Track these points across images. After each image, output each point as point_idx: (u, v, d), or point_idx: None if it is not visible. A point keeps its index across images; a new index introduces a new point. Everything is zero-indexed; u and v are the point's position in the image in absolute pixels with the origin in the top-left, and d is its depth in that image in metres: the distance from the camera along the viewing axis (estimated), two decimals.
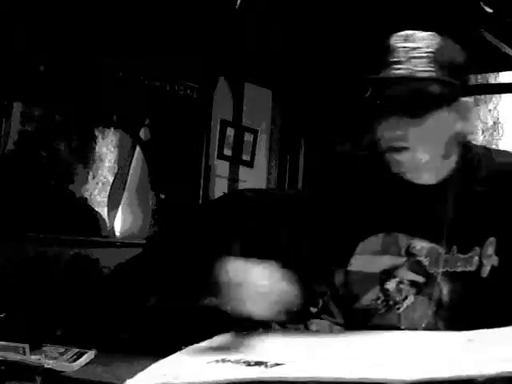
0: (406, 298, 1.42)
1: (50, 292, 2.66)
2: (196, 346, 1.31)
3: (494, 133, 4.00)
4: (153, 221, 3.50)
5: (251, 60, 3.76)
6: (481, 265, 1.35)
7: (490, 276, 1.35)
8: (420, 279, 1.40)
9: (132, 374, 1.20)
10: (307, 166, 4.37)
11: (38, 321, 2.20)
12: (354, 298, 1.49)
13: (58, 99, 3.01)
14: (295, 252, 1.50)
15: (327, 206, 1.51)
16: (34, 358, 1.65)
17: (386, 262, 1.43)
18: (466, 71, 1.38)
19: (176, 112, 3.60)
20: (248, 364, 1.08)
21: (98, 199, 3.25)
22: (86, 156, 3.19)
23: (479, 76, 4.06)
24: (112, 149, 3.32)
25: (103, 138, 3.27)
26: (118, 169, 3.35)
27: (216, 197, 3.76)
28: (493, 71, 3.99)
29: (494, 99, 4.03)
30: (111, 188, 3.31)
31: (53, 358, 1.67)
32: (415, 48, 1.32)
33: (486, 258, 1.35)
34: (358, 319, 1.48)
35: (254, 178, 4.12)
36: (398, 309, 1.42)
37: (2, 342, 1.72)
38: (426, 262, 1.40)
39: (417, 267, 1.41)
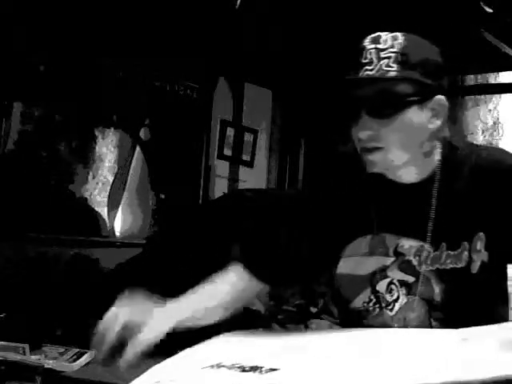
0: (397, 298, 1.42)
1: (50, 292, 2.66)
2: (191, 349, 1.30)
3: (494, 133, 4.00)
4: (153, 221, 3.51)
5: (251, 60, 3.77)
6: (470, 261, 1.35)
7: (480, 271, 1.35)
8: (410, 279, 1.40)
9: (132, 375, 1.20)
10: (307, 165, 4.37)
11: (37, 321, 2.21)
12: (346, 301, 1.49)
13: (58, 99, 3.01)
14: (295, 252, 1.50)
15: (317, 207, 1.51)
16: (34, 358, 1.65)
17: (374, 263, 1.44)
18: (441, 71, 1.38)
19: (176, 112, 3.60)
20: (243, 369, 1.07)
21: (98, 199, 3.25)
22: (86, 156, 3.19)
23: (479, 76, 4.06)
24: (112, 149, 3.32)
25: (103, 138, 3.28)
26: (118, 169, 3.35)
27: (216, 197, 3.76)
28: (493, 71, 3.99)
29: (493, 99, 4.04)
30: (111, 188, 3.31)
31: (53, 358, 1.68)
32: (385, 49, 1.33)
33: (476, 253, 1.35)
34: (352, 321, 1.48)
35: (254, 178, 4.12)
36: (391, 310, 1.42)
37: (2, 342, 1.72)
38: (415, 261, 1.40)
39: (406, 267, 1.41)
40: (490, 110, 4.02)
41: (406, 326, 1.40)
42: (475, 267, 1.35)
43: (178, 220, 3.41)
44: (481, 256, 1.35)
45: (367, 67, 1.32)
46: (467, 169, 1.40)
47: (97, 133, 3.25)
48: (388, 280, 1.43)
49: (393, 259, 1.42)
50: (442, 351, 1.15)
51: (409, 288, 1.41)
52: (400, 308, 1.41)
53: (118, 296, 1.38)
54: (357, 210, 1.47)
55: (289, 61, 3.80)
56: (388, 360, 1.15)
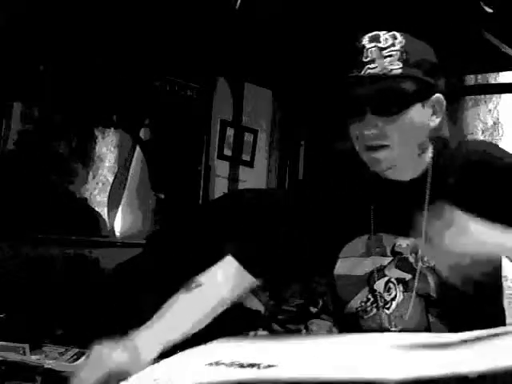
0: (395, 297, 1.42)
1: (50, 292, 2.66)
2: (188, 350, 1.31)
3: (494, 133, 4.00)
4: (153, 221, 3.51)
5: (251, 60, 3.77)
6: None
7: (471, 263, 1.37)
8: (407, 276, 1.41)
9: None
10: (307, 165, 4.37)
11: (38, 321, 2.21)
12: (343, 302, 1.50)
13: (57, 99, 3.01)
14: (293, 251, 1.51)
15: (315, 207, 1.52)
16: (34, 358, 1.65)
17: (372, 263, 1.44)
18: (438, 69, 1.39)
19: (176, 112, 3.61)
20: (241, 366, 1.08)
21: (98, 199, 3.25)
22: (85, 156, 3.19)
23: (479, 76, 4.06)
24: (112, 149, 3.32)
25: (103, 138, 3.28)
26: (118, 169, 3.35)
27: (216, 197, 3.76)
28: (493, 71, 3.99)
29: (494, 99, 4.04)
30: (111, 188, 3.31)
31: (53, 358, 1.68)
32: (386, 47, 1.34)
33: None
34: (349, 322, 1.49)
35: (253, 178, 4.12)
36: (388, 309, 1.43)
37: (2, 342, 1.72)
38: (411, 258, 1.41)
39: (403, 265, 1.42)
40: (490, 110, 4.03)
41: (403, 324, 1.41)
42: (467, 260, 1.37)
43: (177, 220, 3.41)
44: None
45: (370, 66, 1.32)
46: (457, 164, 1.41)
47: (97, 133, 3.25)
48: (386, 279, 1.43)
49: (390, 259, 1.43)
50: (438, 347, 1.16)
51: (406, 285, 1.42)
52: (397, 306, 1.42)
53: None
54: (354, 211, 1.47)
55: (289, 61, 3.80)
56: (384, 355, 1.17)
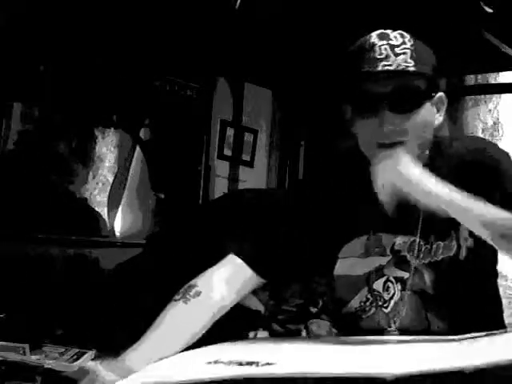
0: (393, 295, 1.43)
1: (50, 292, 2.66)
2: (187, 352, 1.31)
3: (494, 133, 4.00)
4: (153, 221, 3.51)
5: (251, 60, 3.76)
6: (459, 248, 1.37)
7: (467, 258, 1.38)
8: (405, 274, 1.42)
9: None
10: (307, 165, 4.37)
11: (37, 321, 2.21)
12: (342, 302, 1.50)
13: (57, 99, 3.01)
14: (294, 250, 1.51)
15: (314, 208, 1.51)
16: (34, 358, 1.65)
17: (371, 263, 1.45)
18: (439, 68, 1.40)
19: (176, 112, 3.60)
20: (240, 364, 1.09)
21: (98, 199, 3.25)
22: (85, 156, 3.19)
23: (479, 76, 4.06)
24: (112, 149, 3.32)
25: (103, 138, 3.28)
26: (118, 169, 3.35)
27: (216, 197, 3.76)
28: (493, 71, 3.99)
29: (494, 99, 4.03)
30: (111, 188, 3.31)
31: (53, 358, 1.68)
32: (398, 45, 1.34)
33: (463, 240, 1.37)
34: (348, 322, 1.49)
35: (253, 178, 4.12)
36: (386, 308, 1.43)
37: (2, 342, 1.72)
38: (409, 256, 1.41)
39: (402, 263, 1.43)
40: (490, 110, 4.02)
41: (401, 322, 1.41)
42: (463, 254, 1.37)
43: (177, 220, 3.41)
44: (467, 242, 1.37)
45: (385, 62, 1.32)
46: (451, 160, 1.42)
47: (97, 133, 3.25)
48: (384, 278, 1.44)
49: (389, 257, 1.44)
50: (436, 345, 1.17)
51: (404, 283, 1.42)
52: (395, 304, 1.42)
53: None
54: (353, 211, 1.47)
55: (289, 61, 3.80)
56: (383, 353, 1.17)
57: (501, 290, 1.52)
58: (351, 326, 1.48)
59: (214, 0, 3.14)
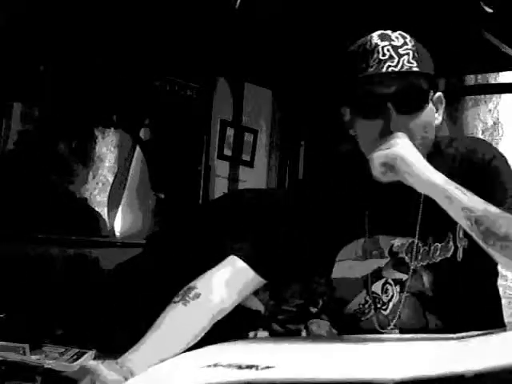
0: (391, 297, 1.42)
1: (50, 292, 2.66)
2: (186, 353, 1.30)
3: (494, 133, 3.99)
4: (153, 221, 3.51)
5: (251, 60, 3.76)
6: (456, 250, 1.37)
7: (463, 258, 1.38)
8: (404, 276, 1.41)
9: None
10: (307, 165, 4.36)
11: (37, 321, 2.21)
12: (341, 304, 1.49)
13: (57, 99, 3.01)
14: (293, 251, 1.50)
15: (313, 210, 1.51)
16: (34, 358, 1.65)
17: (369, 265, 1.44)
18: (438, 69, 1.40)
19: (176, 112, 3.60)
20: (239, 367, 1.09)
21: (98, 199, 3.25)
22: (85, 156, 3.19)
23: (479, 76, 4.06)
24: (112, 149, 3.32)
25: (103, 138, 3.28)
26: (118, 169, 3.35)
27: (216, 197, 3.76)
28: (493, 71, 3.99)
29: (494, 99, 4.03)
30: (111, 188, 3.31)
31: (53, 358, 1.68)
32: (401, 46, 1.34)
33: (459, 241, 1.37)
34: (347, 324, 1.49)
35: (253, 178, 4.12)
36: (385, 310, 1.43)
37: (2, 342, 1.72)
38: (407, 258, 1.41)
39: (399, 265, 1.42)
40: (490, 110, 4.02)
41: (400, 324, 1.41)
42: (460, 255, 1.37)
43: (177, 220, 3.41)
44: (463, 243, 1.37)
45: (389, 63, 1.32)
46: (447, 160, 1.42)
47: (97, 133, 3.25)
48: (383, 280, 1.43)
49: (387, 260, 1.43)
50: (436, 348, 1.17)
51: (402, 285, 1.42)
52: (393, 306, 1.42)
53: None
54: (351, 214, 1.47)
55: (289, 61, 3.80)
56: (382, 355, 1.17)
57: (501, 290, 1.52)
58: (350, 327, 1.48)
59: (213, 0, 3.14)
